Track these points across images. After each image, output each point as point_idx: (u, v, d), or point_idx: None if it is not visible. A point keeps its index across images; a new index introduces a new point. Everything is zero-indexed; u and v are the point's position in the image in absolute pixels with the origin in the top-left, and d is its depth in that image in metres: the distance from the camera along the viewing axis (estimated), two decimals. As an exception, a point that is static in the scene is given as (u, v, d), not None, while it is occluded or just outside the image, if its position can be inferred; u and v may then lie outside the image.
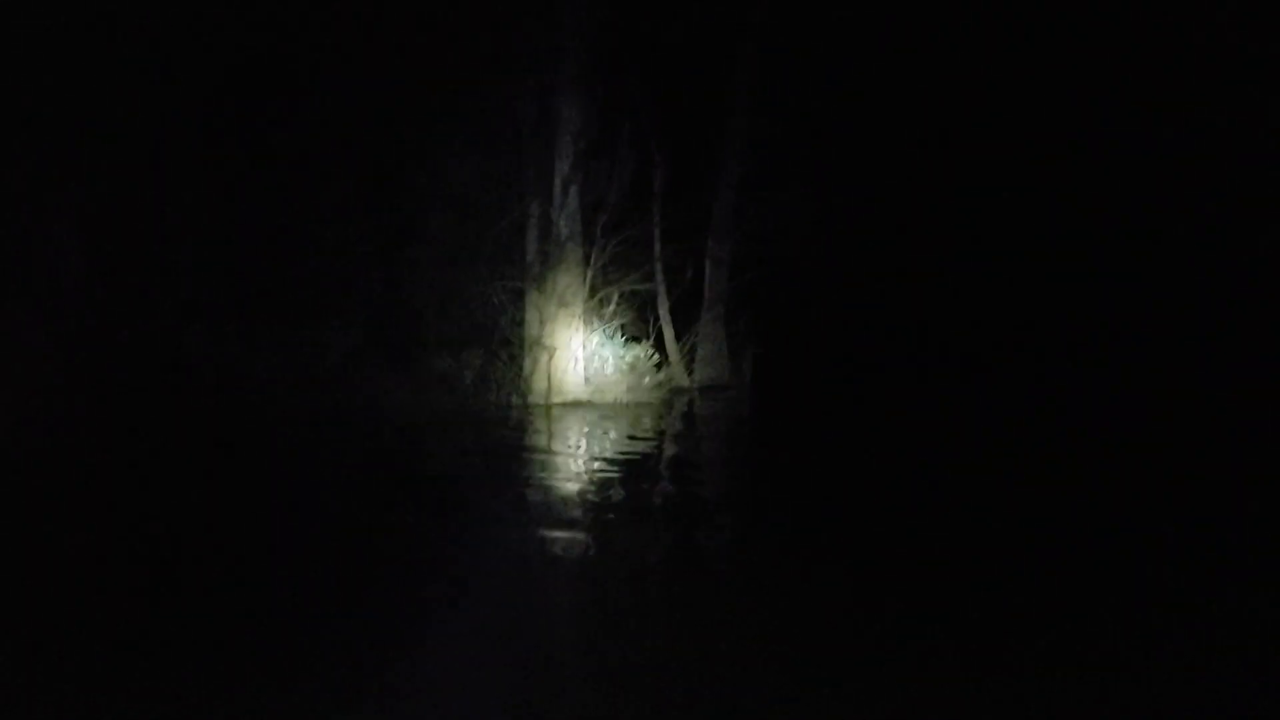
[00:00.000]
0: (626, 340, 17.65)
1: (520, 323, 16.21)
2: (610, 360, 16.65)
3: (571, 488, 8.90)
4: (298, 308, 15.88)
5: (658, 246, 18.16)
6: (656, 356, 17.72)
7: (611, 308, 17.05)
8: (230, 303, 15.77)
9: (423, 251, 16.76)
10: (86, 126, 14.54)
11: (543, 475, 9.71)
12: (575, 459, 11.02)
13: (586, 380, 15.86)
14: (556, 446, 12.00)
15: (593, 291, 16.27)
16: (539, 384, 15.56)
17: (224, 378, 14.85)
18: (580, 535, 6.62)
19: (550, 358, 15.56)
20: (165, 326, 15.07)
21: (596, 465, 10.35)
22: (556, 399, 15.45)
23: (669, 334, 18.51)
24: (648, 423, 14.43)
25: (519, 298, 16.37)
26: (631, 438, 12.93)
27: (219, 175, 15.82)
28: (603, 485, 9.02)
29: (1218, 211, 19.55)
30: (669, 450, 12.21)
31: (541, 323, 15.71)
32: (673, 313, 18.59)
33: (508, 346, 16.34)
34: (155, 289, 15.47)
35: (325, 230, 16.39)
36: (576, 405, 15.41)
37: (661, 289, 18.37)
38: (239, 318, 15.60)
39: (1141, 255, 20.32)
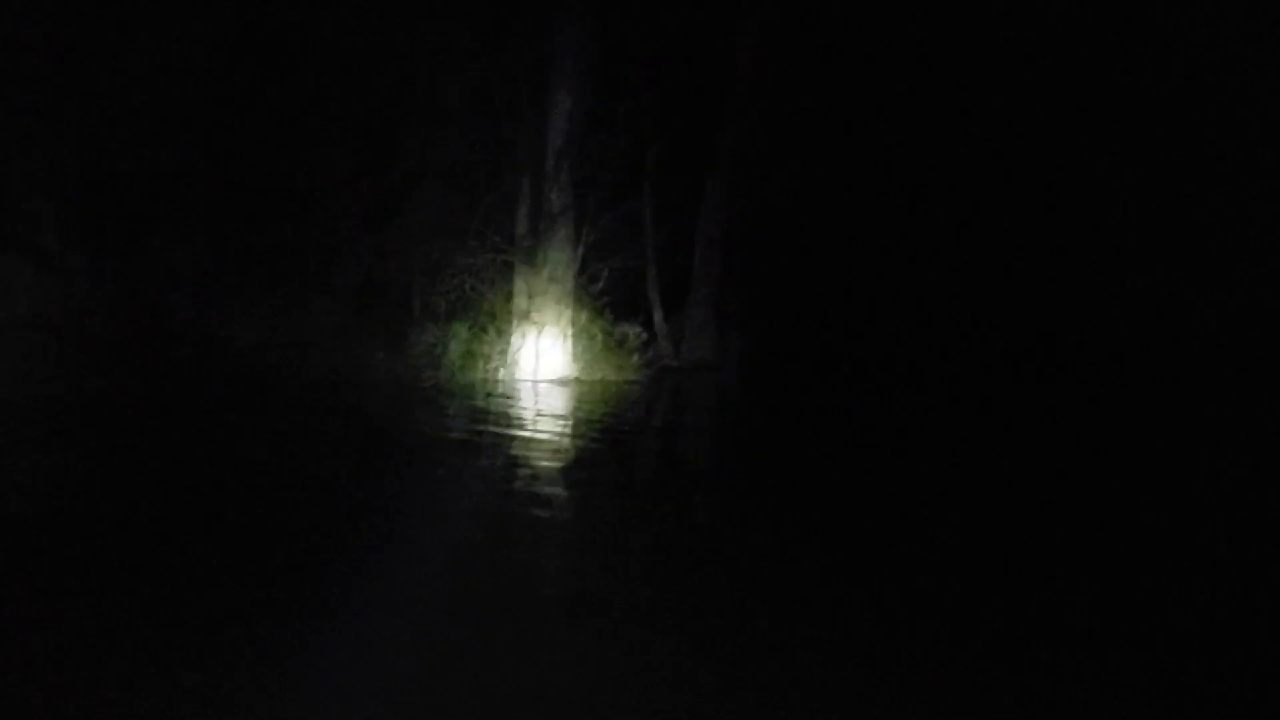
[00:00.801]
0: (615, 318, 17.47)
1: (509, 297, 15.99)
2: (599, 337, 16.46)
3: (553, 466, 8.71)
4: (284, 277, 15.62)
5: (649, 224, 17.95)
6: (645, 335, 17.54)
7: (601, 284, 16.85)
8: (215, 271, 15.51)
9: (411, 223, 16.52)
10: (67, 92, 14.21)
11: (528, 453, 9.52)
12: (562, 437, 10.81)
13: (575, 357, 15.67)
14: (544, 425, 11.78)
15: (583, 267, 16.06)
16: (527, 359, 15.34)
17: (207, 346, 14.61)
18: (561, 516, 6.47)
19: (539, 333, 15.34)
20: (148, 293, 14.79)
21: (583, 445, 10.16)
22: (544, 375, 15.24)
23: (658, 313, 18.32)
24: (635, 401, 14.21)
25: (508, 272, 16.14)
26: (618, 416, 12.72)
27: (205, 142, 15.50)
28: (587, 467, 8.84)
29: (1211, 206, 19.48)
30: (655, 431, 12.00)
31: (530, 298, 15.48)
32: (662, 292, 18.41)
33: (495, 321, 16.13)
34: (137, 255, 15.19)
35: (313, 200, 16.13)
36: (564, 382, 15.22)
37: (652, 267, 18.17)
38: (223, 286, 15.35)
39: (1132, 232, 20.24)
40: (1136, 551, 5.72)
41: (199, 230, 15.36)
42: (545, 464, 8.51)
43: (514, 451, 9.13)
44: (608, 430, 10.75)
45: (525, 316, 15.41)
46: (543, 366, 15.30)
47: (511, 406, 12.82)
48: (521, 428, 10.89)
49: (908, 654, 4.07)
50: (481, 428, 10.77)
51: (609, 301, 17.40)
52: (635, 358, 16.66)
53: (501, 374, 15.30)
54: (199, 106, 14.99)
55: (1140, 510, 6.81)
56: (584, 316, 16.29)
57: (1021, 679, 3.82)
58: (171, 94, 14.84)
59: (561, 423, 11.43)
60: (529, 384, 14.93)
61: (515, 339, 15.50)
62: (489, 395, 13.78)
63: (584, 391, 14.56)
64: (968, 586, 4.97)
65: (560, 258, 15.37)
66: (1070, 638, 4.28)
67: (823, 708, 3.55)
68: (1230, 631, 4.41)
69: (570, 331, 15.63)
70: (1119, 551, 5.73)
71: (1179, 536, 6.07)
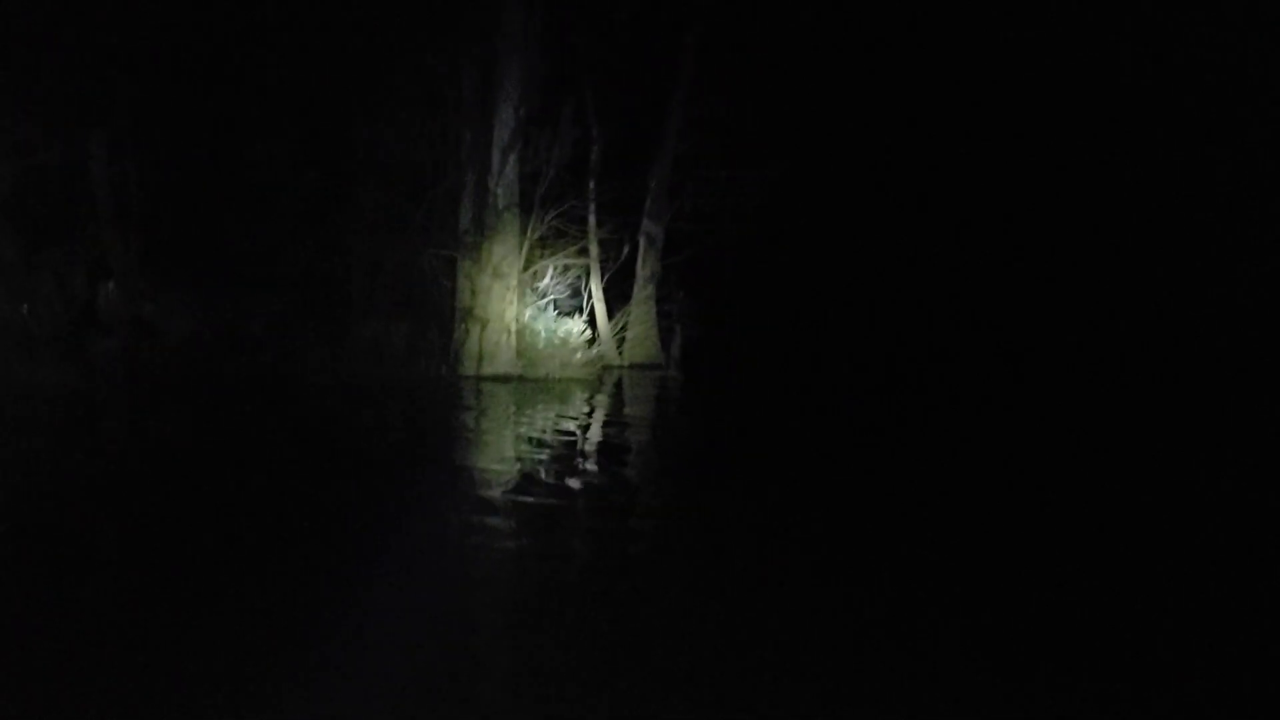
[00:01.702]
0: (559, 315, 17.29)
1: (452, 293, 15.71)
2: (542, 334, 16.26)
3: (496, 468, 8.46)
4: (222, 270, 15.13)
5: (592, 221, 17.79)
6: (589, 332, 17.38)
7: (546, 281, 16.66)
8: (148, 262, 14.95)
9: (353, 216, 16.15)
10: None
11: (471, 453, 9.28)
12: (505, 436, 10.58)
13: (519, 354, 15.43)
14: (485, 423, 11.54)
15: (528, 264, 15.84)
16: (470, 355, 15.07)
17: (137, 339, 14.08)
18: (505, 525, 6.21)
19: (483, 329, 15.09)
20: (78, 284, 14.21)
21: (526, 445, 9.94)
22: (487, 371, 14.99)
23: (600, 311, 18.16)
24: (578, 400, 13.98)
25: (451, 267, 15.86)
26: (561, 416, 12.51)
27: (141, 131, 14.95)
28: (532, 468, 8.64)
29: (1211, 206, 19.74)
30: (597, 431, 11.74)
31: (474, 293, 15.21)
32: (606, 290, 18.27)
33: (439, 317, 15.84)
34: (70, 246, 14.60)
35: (251, 191, 15.65)
36: (507, 379, 14.97)
37: (595, 265, 18.01)
38: (158, 278, 14.81)
39: (1130, 232, 20.43)
40: (1136, 551, 5.68)
41: (132, 220, 14.78)
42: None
43: (468, 464, 8.68)
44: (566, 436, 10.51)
45: (469, 313, 15.14)
46: (486, 364, 15.05)
47: (459, 409, 12.58)
48: (469, 440, 10.65)
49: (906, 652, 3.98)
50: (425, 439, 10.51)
51: (552, 299, 17.23)
52: (579, 356, 16.48)
53: (444, 370, 15.02)
54: (134, 95, 14.42)
55: (1140, 510, 6.77)
56: (528, 313, 16.09)
57: (1020, 678, 3.74)
58: (105, 82, 14.26)
59: (515, 434, 11.07)
60: (472, 381, 14.67)
61: (459, 335, 15.22)
62: (432, 394, 13.54)
63: (530, 391, 14.32)
64: (966, 586, 4.89)
65: (505, 253, 15.12)
66: (1070, 637, 4.22)
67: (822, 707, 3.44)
68: (1230, 631, 4.39)
69: (514, 328, 15.39)
70: (1119, 551, 5.68)
71: (1179, 536, 6.04)
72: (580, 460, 8.67)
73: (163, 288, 14.65)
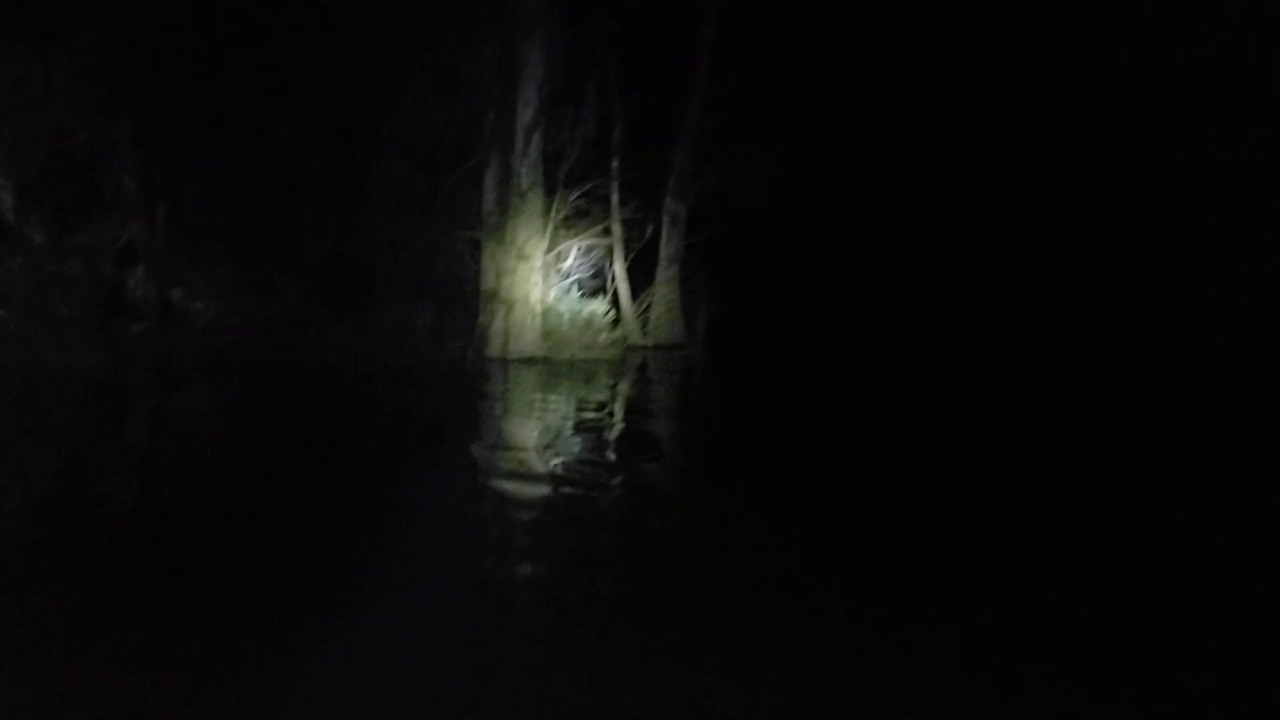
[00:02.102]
0: (582, 295, 17.24)
1: (476, 275, 15.68)
2: (566, 316, 16.21)
3: (528, 457, 8.42)
4: (247, 253, 15.13)
5: (615, 200, 17.71)
6: (612, 313, 17.33)
7: (570, 262, 16.60)
8: (176, 246, 14.96)
9: (376, 199, 16.10)
10: (23, 64, 13.58)
11: (516, 445, 9.26)
12: (547, 426, 10.51)
13: (544, 335, 15.39)
14: (520, 410, 11.50)
15: (552, 244, 15.77)
16: (495, 338, 15.05)
17: (164, 322, 14.12)
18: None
19: (508, 311, 15.05)
20: (106, 268, 14.23)
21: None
22: (513, 353, 14.95)
23: (624, 291, 18.12)
24: (609, 383, 13.89)
25: (475, 249, 15.81)
26: (597, 402, 12.45)
27: (164, 115, 14.91)
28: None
29: (1211, 206, 19.59)
30: (624, 419, 11.58)
31: (498, 275, 15.17)
32: (629, 270, 18.21)
33: (463, 299, 15.81)
34: (96, 230, 14.61)
35: (274, 173, 15.60)
36: (533, 361, 14.93)
37: (618, 245, 17.95)
38: (183, 262, 14.81)
39: (1131, 231, 20.33)
40: (1136, 551, 5.63)
41: (158, 204, 14.78)
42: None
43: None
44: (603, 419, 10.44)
45: (494, 294, 15.10)
46: (511, 346, 15.02)
47: (491, 395, 12.54)
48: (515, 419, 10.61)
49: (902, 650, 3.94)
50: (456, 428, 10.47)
51: (576, 280, 17.18)
52: (603, 336, 16.44)
53: (469, 353, 15.00)
54: (158, 78, 14.39)
55: (1140, 509, 6.71)
56: (552, 294, 16.04)
57: (1018, 678, 3.69)
58: (130, 65, 14.24)
59: (552, 415, 11.03)
60: (498, 363, 14.65)
61: (483, 317, 15.19)
62: (458, 377, 13.51)
63: (558, 373, 14.25)
64: (964, 586, 4.84)
65: (529, 234, 15.05)
66: (1068, 637, 4.17)
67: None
68: (1230, 631, 4.33)
69: (539, 310, 15.34)
70: (1119, 551, 5.62)
71: (1179, 536, 5.98)
72: (623, 456, 8.59)
73: (189, 272, 14.66)
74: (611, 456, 7.96)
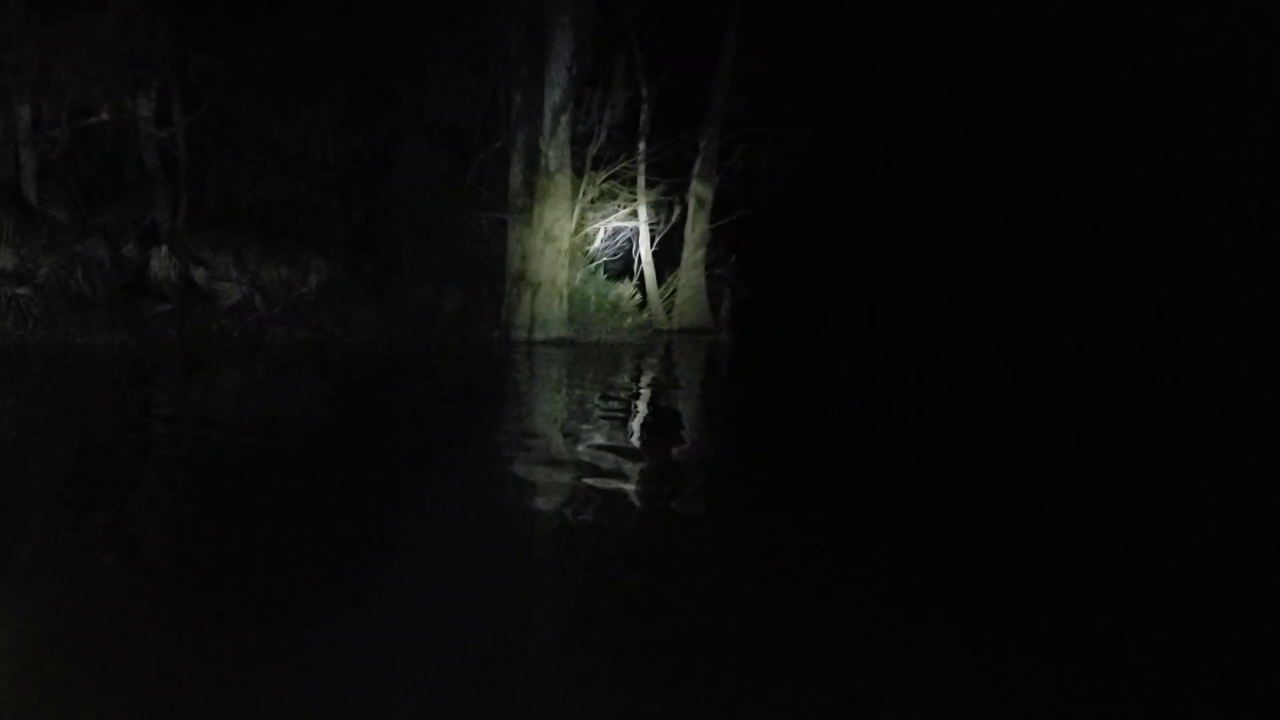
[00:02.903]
0: (608, 278, 17.01)
1: (503, 256, 15.45)
2: (593, 299, 15.97)
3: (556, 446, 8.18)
4: (271, 234, 14.93)
5: (642, 183, 17.43)
6: (639, 296, 17.08)
7: (597, 244, 16.36)
8: (199, 226, 14.78)
9: (402, 179, 15.89)
10: (44, 42, 13.37)
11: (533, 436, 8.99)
12: (562, 409, 10.24)
13: (570, 318, 15.15)
14: (544, 392, 11.23)
15: (579, 227, 15.52)
16: (522, 320, 14.82)
17: (191, 303, 13.92)
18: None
19: (534, 293, 14.80)
20: (129, 247, 14.04)
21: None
22: (540, 335, 14.72)
23: (650, 274, 17.86)
24: (642, 368, 13.53)
25: (501, 230, 15.58)
26: (638, 390, 12.16)
27: (189, 93, 14.70)
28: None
29: (1211, 206, 19.30)
30: (649, 408, 11.36)
31: (525, 257, 14.92)
32: (655, 253, 17.95)
33: (489, 281, 15.59)
34: (119, 209, 14.43)
35: (300, 153, 15.41)
36: (560, 343, 14.69)
37: (644, 228, 17.68)
38: (208, 242, 14.62)
39: (1132, 231, 20.07)
40: (1136, 551, 5.47)
41: (181, 183, 14.58)
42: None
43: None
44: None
45: (521, 277, 14.86)
46: (538, 328, 14.78)
47: (526, 379, 12.27)
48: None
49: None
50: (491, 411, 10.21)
51: (602, 262, 16.94)
52: (629, 320, 16.20)
53: (496, 335, 14.78)
54: (181, 56, 14.18)
55: (1140, 509, 6.53)
56: (579, 277, 15.80)
57: (1017, 677, 3.51)
58: (154, 43, 14.03)
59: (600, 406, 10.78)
60: (524, 346, 14.41)
61: (511, 299, 14.97)
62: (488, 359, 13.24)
63: (586, 356, 13.95)
64: (965, 586, 4.69)
65: (556, 216, 14.78)
66: (1067, 637, 4.00)
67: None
68: (1231, 631, 4.17)
69: (565, 292, 15.10)
70: (1119, 551, 5.47)
71: (1178, 536, 5.82)
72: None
73: (213, 251, 14.46)
74: (636, 444, 7.69)
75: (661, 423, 8.91)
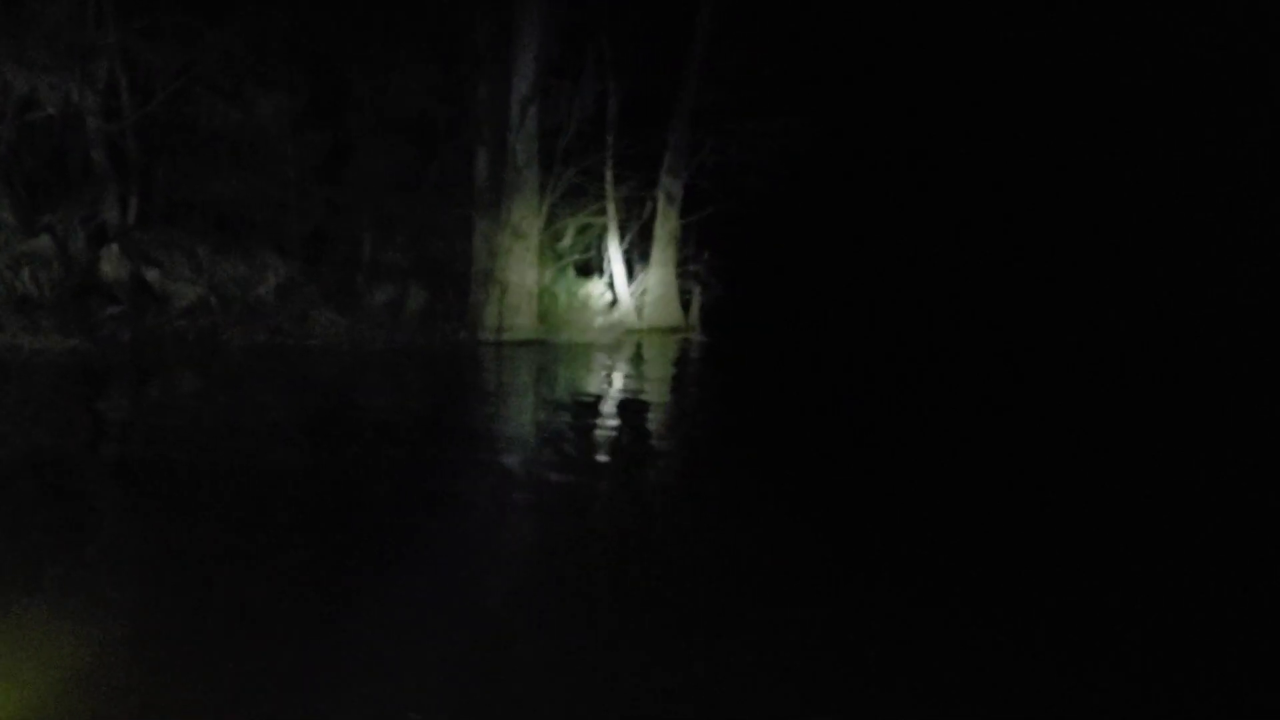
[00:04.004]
0: (577, 276, 16.58)
1: (469, 254, 14.96)
2: (562, 297, 15.55)
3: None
4: (227, 232, 14.37)
5: (609, 178, 17.00)
6: (609, 295, 16.68)
7: (567, 241, 15.93)
8: (151, 224, 14.16)
9: (363, 174, 15.33)
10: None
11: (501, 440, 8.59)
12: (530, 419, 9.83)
13: (540, 318, 14.71)
14: (511, 399, 10.82)
15: (548, 223, 15.08)
16: (490, 320, 14.33)
17: (144, 304, 13.31)
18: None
19: (503, 292, 14.34)
20: (79, 247, 13.41)
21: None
22: (508, 336, 14.25)
23: (619, 272, 17.41)
24: (617, 370, 13.11)
25: (467, 226, 15.10)
26: (624, 399, 11.74)
27: (140, 86, 14.08)
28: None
29: (1211, 206, 19.24)
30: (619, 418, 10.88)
31: (492, 254, 14.44)
32: (627, 251, 17.52)
33: (455, 279, 15.11)
34: (67, 207, 13.78)
35: (258, 147, 14.83)
36: (529, 344, 14.24)
37: (613, 224, 17.23)
38: (160, 241, 14.00)
39: (1132, 231, 19.96)
40: (1136, 550, 5.37)
41: (131, 179, 13.94)
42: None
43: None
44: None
45: (488, 275, 14.38)
46: (507, 328, 14.33)
47: (483, 382, 11.84)
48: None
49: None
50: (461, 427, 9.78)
51: (572, 260, 16.51)
52: (600, 319, 15.78)
53: (463, 335, 14.31)
54: (134, 47, 13.54)
55: (1140, 509, 6.37)
56: (548, 275, 15.37)
57: (1021, 677, 3.59)
58: (102, 33, 13.38)
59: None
60: (493, 347, 13.96)
61: (479, 297, 14.50)
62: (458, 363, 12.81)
63: (559, 357, 13.52)
64: (965, 586, 4.57)
65: (525, 212, 14.32)
66: (1070, 637, 4.03)
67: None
68: (1230, 631, 4.21)
69: (534, 291, 14.66)
70: (1119, 551, 5.36)
71: (1178, 536, 5.71)
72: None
73: (167, 250, 13.86)
74: (603, 460, 7.30)
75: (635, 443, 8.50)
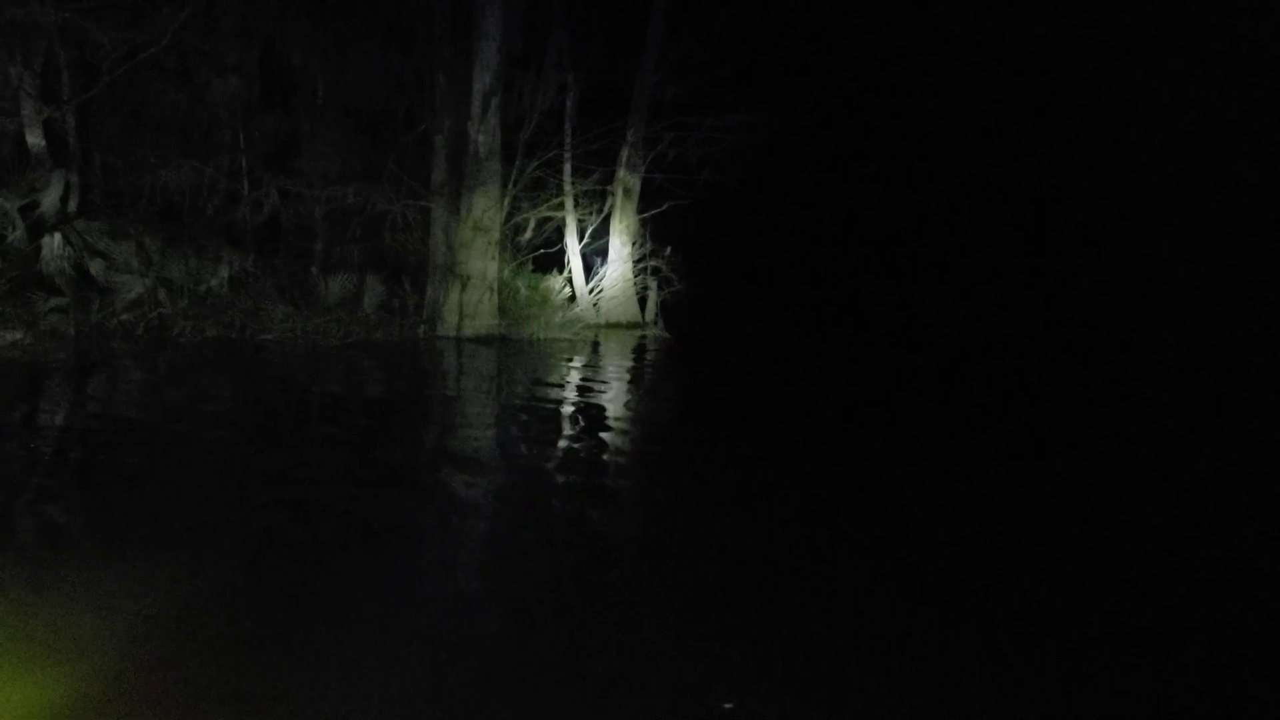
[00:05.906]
0: (534, 271, 16.25)
1: (428, 247, 14.55)
2: (523, 292, 15.20)
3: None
4: (175, 223, 13.75)
5: (568, 172, 16.71)
6: (569, 290, 16.37)
7: (528, 234, 15.59)
8: (95, 214, 13.49)
9: (318, 164, 14.82)
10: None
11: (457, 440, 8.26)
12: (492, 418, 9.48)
13: (500, 313, 14.36)
14: (471, 397, 10.44)
15: (509, 217, 14.72)
16: (449, 315, 13.93)
17: (88, 297, 12.67)
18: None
19: (463, 287, 13.96)
20: (18, 238, 12.71)
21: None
22: (468, 331, 13.87)
23: (578, 268, 17.13)
24: (589, 367, 12.81)
25: (425, 219, 14.68)
26: (607, 400, 11.42)
27: (75, 67, 13.38)
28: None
29: (1208, 206, 19.40)
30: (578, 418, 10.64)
31: (451, 248, 14.04)
32: (586, 245, 17.24)
33: (413, 274, 14.68)
34: (5, 196, 13.06)
35: (209, 134, 14.23)
36: (490, 340, 13.88)
37: (571, 219, 16.95)
38: (104, 232, 13.34)
39: (1117, 229, 20.07)
40: (1136, 550, 5.33)
41: (73, 167, 13.26)
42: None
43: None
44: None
45: (448, 269, 13.98)
46: (466, 324, 13.95)
47: (442, 379, 11.44)
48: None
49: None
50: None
51: (532, 255, 16.17)
52: (560, 315, 15.47)
53: (422, 331, 13.90)
54: (76, 25, 12.84)
55: (1140, 509, 6.33)
56: (509, 269, 15.01)
57: (1021, 676, 3.56)
58: (41, 9, 12.66)
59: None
60: (453, 342, 13.56)
61: (437, 293, 14.10)
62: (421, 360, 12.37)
63: (521, 354, 13.14)
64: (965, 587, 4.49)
65: (486, 205, 13.94)
66: (1070, 637, 3.97)
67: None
68: (1230, 631, 4.17)
69: (495, 286, 14.29)
70: (1119, 551, 5.31)
71: (1178, 536, 5.69)
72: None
73: (112, 241, 13.22)
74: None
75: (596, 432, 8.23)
